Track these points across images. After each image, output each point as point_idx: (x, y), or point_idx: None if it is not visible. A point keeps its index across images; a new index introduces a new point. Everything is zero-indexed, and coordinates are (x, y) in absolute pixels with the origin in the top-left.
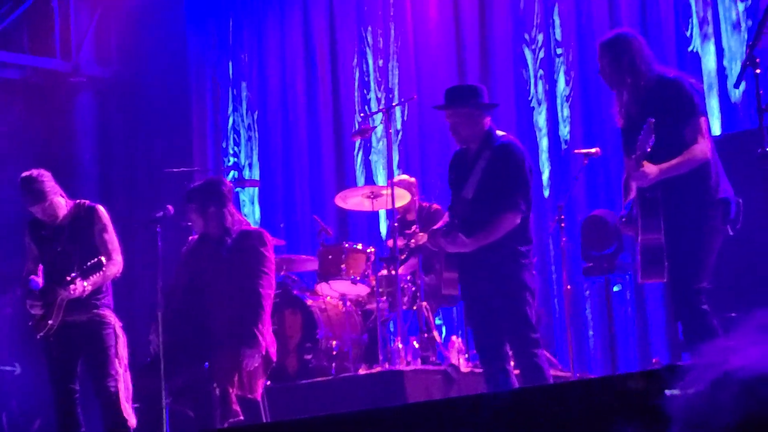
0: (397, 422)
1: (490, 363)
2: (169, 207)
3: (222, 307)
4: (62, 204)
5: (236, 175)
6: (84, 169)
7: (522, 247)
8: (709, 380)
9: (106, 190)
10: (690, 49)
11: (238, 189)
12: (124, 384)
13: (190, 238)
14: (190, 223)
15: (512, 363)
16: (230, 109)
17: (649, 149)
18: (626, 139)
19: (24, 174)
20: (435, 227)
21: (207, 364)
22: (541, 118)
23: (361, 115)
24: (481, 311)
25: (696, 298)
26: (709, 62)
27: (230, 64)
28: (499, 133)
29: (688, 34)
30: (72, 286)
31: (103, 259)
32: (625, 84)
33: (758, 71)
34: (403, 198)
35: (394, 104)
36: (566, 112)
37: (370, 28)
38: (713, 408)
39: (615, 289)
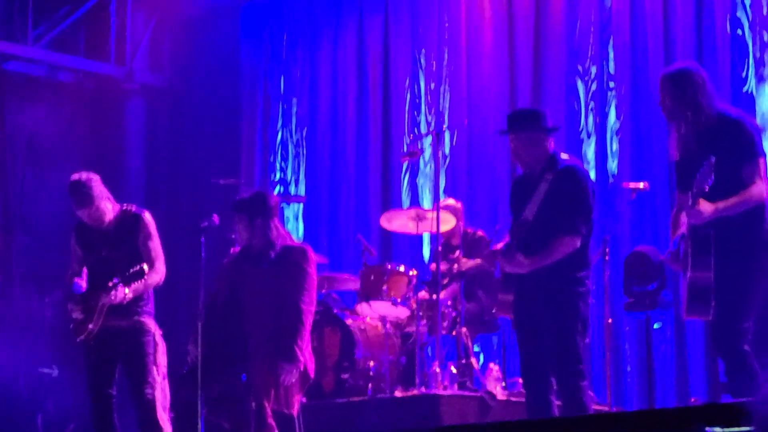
0: None
1: (533, 390)
2: (215, 217)
3: (262, 321)
4: (109, 209)
5: (282, 190)
6: (131, 175)
7: (580, 273)
8: None
9: (152, 197)
10: (745, 89)
11: (283, 204)
12: (161, 392)
13: (232, 250)
14: (234, 236)
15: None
16: (279, 124)
17: (707, 188)
18: (680, 173)
19: (73, 177)
20: (494, 248)
21: (244, 376)
22: (590, 151)
23: (411, 136)
24: (531, 337)
25: (738, 339)
26: (764, 104)
27: (282, 79)
28: (564, 156)
29: (743, 74)
30: (113, 292)
31: (145, 266)
32: (685, 118)
33: None
34: (448, 222)
35: (444, 128)
36: (615, 145)
37: (423, 51)
38: None
39: (655, 326)
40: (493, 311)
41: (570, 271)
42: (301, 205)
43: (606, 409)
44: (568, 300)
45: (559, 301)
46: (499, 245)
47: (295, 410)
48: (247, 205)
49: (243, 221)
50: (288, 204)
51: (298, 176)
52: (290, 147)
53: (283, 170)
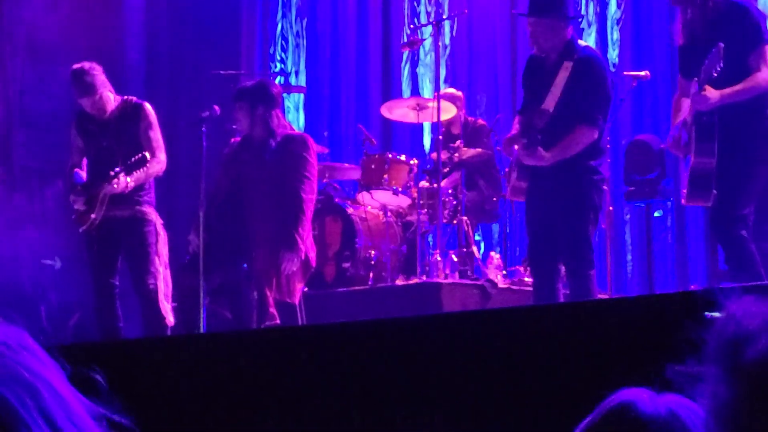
0: (435, 330)
1: (541, 276)
2: (216, 107)
3: (263, 210)
4: (111, 99)
5: (282, 81)
6: (131, 68)
7: (593, 162)
8: None
9: (152, 91)
10: None
11: (284, 95)
12: (163, 281)
13: (232, 140)
14: (234, 126)
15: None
16: (279, 15)
17: (715, 74)
18: (684, 58)
19: (75, 66)
20: (510, 135)
21: (245, 265)
22: (590, 41)
23: (411, 26)
24: (542, 224)
25: (738, 225)
26: None
27: None
28: (581, 43)
29: None
30: (115, 181)
31: (147, 155)
32: (692, 2)
33: None
34: (448, 111)
35: (444, 17)
36: (616, 35)
37: None
38: None
39: (656, 214)
40: (505, 196)
41: (585, 160)
42: (302, 96)
43: (606, 296)
44: (582, 188)
45: (573, 190)
46: (514, 131)
47: (297, 299)
48: (250, 93)
49: (245, 109)
50: (288, 94)
51: (299, 67)
52: (290, 38)
53: (283, 61)
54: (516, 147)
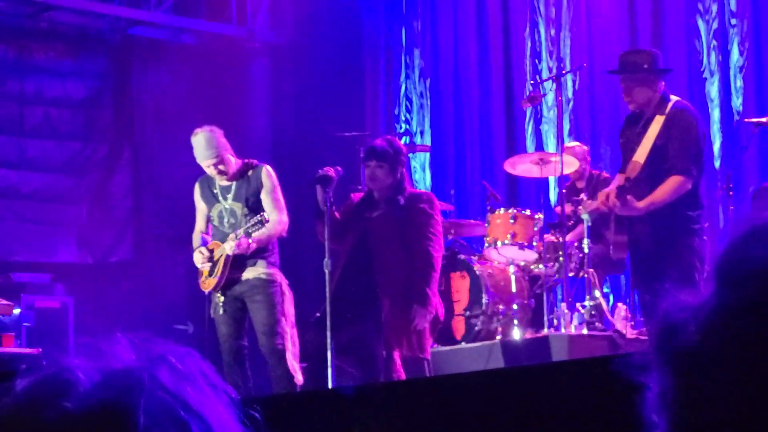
0: (562, 378)
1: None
2: (339, 168)
3: (391, 267)
4: (232, 162)
5: (408, 141)
6: (256, 134)
7: (692, 212)
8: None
9: (278, 154)
10: None
11: (409, 154)
12: (291, 341)
13: (352, 196)
14: (359, 187)
15: None
16: (403, 76)
17: None
18: None
19: (197, 129)
20: (606, 189)
21: (373, 321)
22: (713, 89)
23: (532, 82)
24: (649, 274)
25: None
26: None
27: (403, 31)
28: (673, 98)
29: None
30: (237, 243)
31: (268, 217)
32: None
33: None
34: (572, 165)
35: (564, 72)
36: (739, 83)
37: None
38: (744, 257)
39: None
40: (610, 254)
41: (682, 212)
42: (428, 155)
43: None
44: (681, 238)
45: (672, 240)
46: (610, 188)
47: (428, 353)
48: (390, 154)
49: (384, 169)
50: (414, 154)
51: (423, 127)
52: (414, 98)
53: (408, 121)
54: (610, 201)
